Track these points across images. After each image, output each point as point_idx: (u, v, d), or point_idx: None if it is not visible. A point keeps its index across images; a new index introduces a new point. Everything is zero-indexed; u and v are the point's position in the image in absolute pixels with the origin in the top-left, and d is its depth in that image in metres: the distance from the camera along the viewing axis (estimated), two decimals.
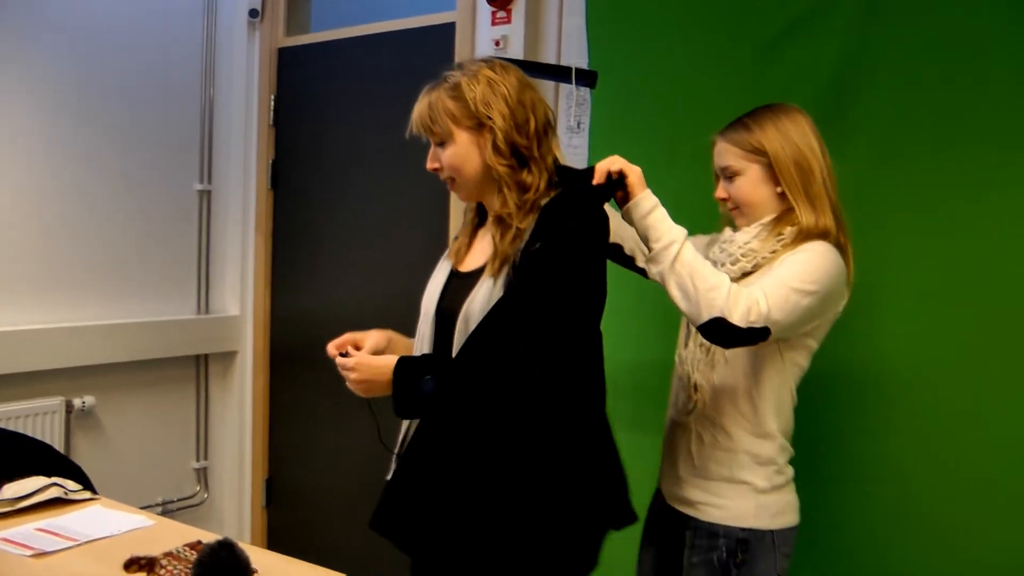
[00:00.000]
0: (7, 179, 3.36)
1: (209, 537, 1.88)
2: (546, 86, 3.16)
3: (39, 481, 2.29)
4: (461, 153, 1.91)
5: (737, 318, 1.81)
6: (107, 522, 2.16)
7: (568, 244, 1.81)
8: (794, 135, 2.01)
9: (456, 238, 2.09)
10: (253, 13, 4.02)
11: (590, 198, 1.88)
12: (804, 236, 1.96)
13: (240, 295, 4.13)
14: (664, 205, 1.90)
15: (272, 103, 4.03)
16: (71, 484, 2.36)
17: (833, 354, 2.12)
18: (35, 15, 3.39)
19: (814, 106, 2.43)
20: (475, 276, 1.92)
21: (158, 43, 3.82)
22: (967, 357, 2.30)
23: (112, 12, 3.64)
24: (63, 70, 3.50)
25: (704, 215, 2.21)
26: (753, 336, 1.84)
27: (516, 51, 3.14)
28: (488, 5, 3.22)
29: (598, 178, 1.89)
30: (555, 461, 1.78)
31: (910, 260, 2.36)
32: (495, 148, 1.87)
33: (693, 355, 2.07)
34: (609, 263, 1.95)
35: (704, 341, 1.97)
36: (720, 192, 2.11)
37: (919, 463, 2.34)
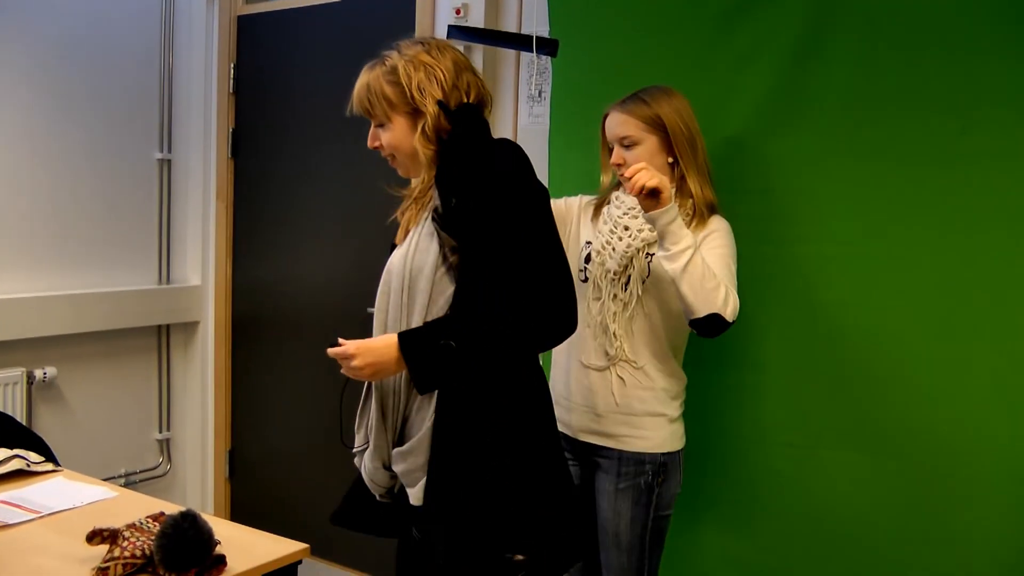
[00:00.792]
0: None
1: (172, 508, 1.88)
2: (507, 55, 3.16)
3: (1, 453, 2.29)
4: (399, 136, 1.98)
5: (728, 314, 2.15)
6: (70, 494, 2.17)
7: (500, 184, 1.86)
8: (685, 114, 2.31)
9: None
10: None
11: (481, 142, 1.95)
12: (703, 212, 2.30)
13: (201, 265, 4.09)
14: None
15: (232, 71, 3.99)
16: (33, 456, 2.35)
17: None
18: None
19: (775, 72, 2.46)
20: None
21: (116, 10, 3.77)
22: (917, 314, 2.35)
23: None
24: (18, 37, 3.44)
25: None
26: (728, 326, 2.18)
27: (477, 19, 3.13)
28: None
29: (633, 192, 2.10)
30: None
31: (871, 227, 2.38)
32: (424, 133, 1.93)
33: (608, 309, 2.32)
34: None
35: (620, 295, 2.30)
36: (616, 158, 2.34)
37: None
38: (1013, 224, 2.22)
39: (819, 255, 2.44)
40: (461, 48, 3.13)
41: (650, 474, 2.31)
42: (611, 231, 2.34)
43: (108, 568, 1.69)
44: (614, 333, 2.31)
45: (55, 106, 3.58)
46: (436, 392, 1.86)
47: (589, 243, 2.41)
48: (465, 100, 1.95)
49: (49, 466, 2.35)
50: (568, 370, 2.43)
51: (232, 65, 3.99)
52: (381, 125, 2.00)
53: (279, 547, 1.91)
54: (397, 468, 1.93)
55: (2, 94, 3.41)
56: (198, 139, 4.06)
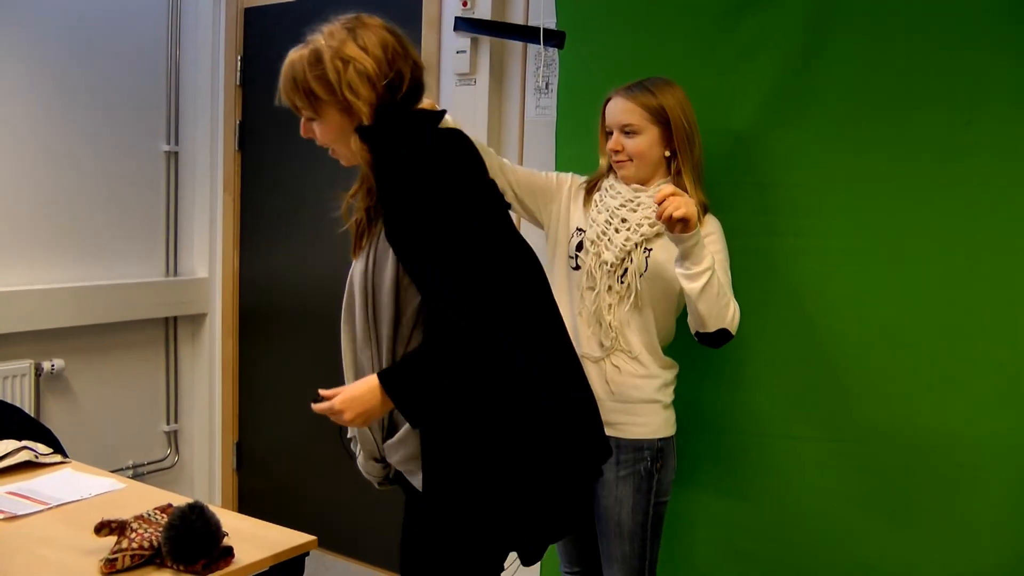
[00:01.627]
0: None
1: (180, 500, 1.88)
2: (514, 47, 3.15)
3: (9, 444, 2.29)
4: (333, 130, 1.92)
5: (734, 328, 2.24)
6: (78, 485, 2.17)
7: (410, 173, 1.79)
8: (687, 109, 2.32)
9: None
10: None
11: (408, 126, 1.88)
12: (698, 210, 2.20)
13: (208, 257, 4.10)
14: None
15: (239, 64, 3.98)
16: (42, 447, 2.36)
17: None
18: None
19: (778, 66, 2.45)
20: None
21: (123, 3, 3.77)
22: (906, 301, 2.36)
23: None
24: (25, 30, 3.45)
25: None
26: (731, 339, 2.27)
27: (484, 11, 3.13)
28: None
29: (661, 220, 2.08)
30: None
31: (871, 222, 2.38)
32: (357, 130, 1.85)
33: (604, 300, 2.33)
34: None
35: (615, 286, 2.31)
36: (615, 145, 2.35)
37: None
38: (1013, 221, 2.23)
39: (818, 249, 2.44)
40: (464, 37, 3.14)
41: (649, 460, 2.33)
42: (607, 222, 2.34)
43: (116, 559, 1.70)
44: (610, 324, 2.33)
45: (62, 99, 3.58)
46: None
47: (581, 231, 2.40)
48: (398, 85, 1.85)
49: (57, 458, 2.36)
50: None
51: (239, 58, 3.98)
52: (311, 119, 1.94)
53: (286, 538, 1.92)
54: (392, 460, 1.92)
55: (9, 87, 3.42)
56: (205, 132, 4.06)
